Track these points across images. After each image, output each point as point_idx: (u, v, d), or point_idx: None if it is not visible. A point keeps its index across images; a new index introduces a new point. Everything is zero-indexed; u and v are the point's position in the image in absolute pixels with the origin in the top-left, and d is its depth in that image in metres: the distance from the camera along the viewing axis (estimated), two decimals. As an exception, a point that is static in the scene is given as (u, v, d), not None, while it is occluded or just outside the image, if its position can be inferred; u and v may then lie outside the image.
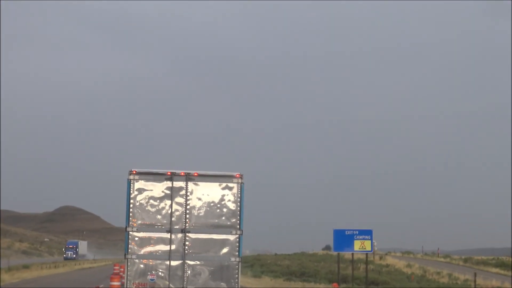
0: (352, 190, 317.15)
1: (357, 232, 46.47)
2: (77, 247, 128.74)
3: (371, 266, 68.01)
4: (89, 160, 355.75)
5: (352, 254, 49.97)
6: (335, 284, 49.53)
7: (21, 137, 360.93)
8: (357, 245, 46.19)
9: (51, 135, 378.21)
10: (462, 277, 71.61)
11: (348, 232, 46.49)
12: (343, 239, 46.30)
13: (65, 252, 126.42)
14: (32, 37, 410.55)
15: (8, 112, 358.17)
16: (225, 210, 21.48)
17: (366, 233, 46.58)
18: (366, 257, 52.04)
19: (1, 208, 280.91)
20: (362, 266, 60.11)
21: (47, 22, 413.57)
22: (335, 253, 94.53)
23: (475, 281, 52.74)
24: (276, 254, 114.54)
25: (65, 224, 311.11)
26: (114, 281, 33.27)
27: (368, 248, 46.72)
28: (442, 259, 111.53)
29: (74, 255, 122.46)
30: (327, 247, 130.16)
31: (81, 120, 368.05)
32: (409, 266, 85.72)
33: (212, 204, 21.52)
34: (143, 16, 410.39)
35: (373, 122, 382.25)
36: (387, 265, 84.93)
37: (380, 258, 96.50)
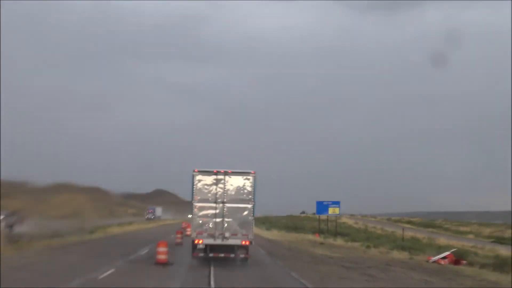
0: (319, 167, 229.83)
1: (330, 203, 44.29)
2: (154, 211, 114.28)
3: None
4: (172, 164, 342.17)
5: (327, 216, 47.41)
6: (316, 234, 45.82)
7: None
8: (330, 210, 44.18)
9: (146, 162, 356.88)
10: (389, 229, 67.71)
11: (326, 202, 44.27)
12: (322, 207, 44.16)
13: (147, 215, 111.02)
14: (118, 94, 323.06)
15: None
16: (245, 191, 21.14)
17: (336, 203, 44.52)
18: (336, 218, 48.65)
19: (124, 190, 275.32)
20: (330, 224, 55.82)
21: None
22: (312, 215, 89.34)
23: (403, 231, 47.96)
24: (276, 216, 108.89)
25: (159, 199, 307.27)
26: (178, 234, 32.14)
27: (337, 212, 44.89)
28: (372, 219, 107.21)
29: (152, 216, 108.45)
30: (303, 212, 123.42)
31: (164, 147, 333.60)
32: (356, 223, 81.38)
33: (238, 188, 21.17)
34: (197, 82, 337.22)
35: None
36: (344, 223, 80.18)
37: (338, 218, 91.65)
